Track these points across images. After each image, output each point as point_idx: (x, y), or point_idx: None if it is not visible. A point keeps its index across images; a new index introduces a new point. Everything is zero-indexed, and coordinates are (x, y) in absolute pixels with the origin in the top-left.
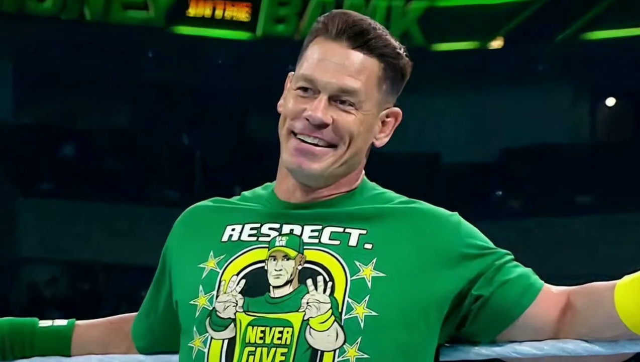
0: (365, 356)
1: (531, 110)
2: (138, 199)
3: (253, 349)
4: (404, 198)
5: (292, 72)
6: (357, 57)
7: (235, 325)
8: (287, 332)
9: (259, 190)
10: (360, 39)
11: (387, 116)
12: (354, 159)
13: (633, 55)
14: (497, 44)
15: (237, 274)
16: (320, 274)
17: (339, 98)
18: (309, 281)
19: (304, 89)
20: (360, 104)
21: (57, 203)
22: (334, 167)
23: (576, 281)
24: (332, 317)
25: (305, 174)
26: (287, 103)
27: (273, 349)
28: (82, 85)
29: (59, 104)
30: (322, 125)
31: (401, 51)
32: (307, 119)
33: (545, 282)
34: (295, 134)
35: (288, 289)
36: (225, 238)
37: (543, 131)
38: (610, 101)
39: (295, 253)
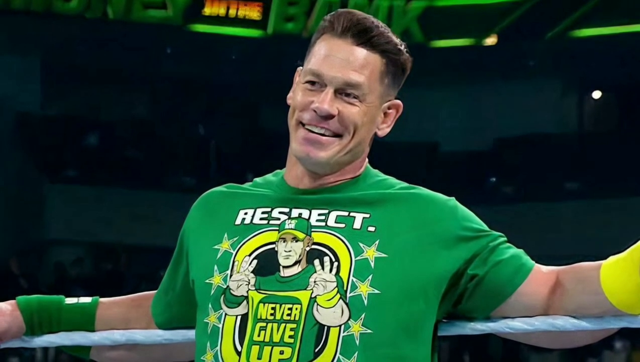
0: (369, 331)
1: (523, 103)
2: (157, 185)
3: (264, 324)
4: (405, 184)
5: (301, 67)
6: (361, 53)
7: (247, 302)
8: (296, 309)
9: (269, 176)
10: (364, 36)
11: (389, 108)
12: (358, 148)
13: (618, 51)
14: (491, 40)
15: (250, 255)
16: (326, 254)
17: (344, 91)
18: (316, 261)
19: (312, 83)
20: (364, 97)
21: (81, 189)
22: (340, 156)
23: (565, 261)
24: (338, 295)
25: (313, 161)
26: (296, 96)
27: (283, 325)
28: (105, 80)
29: (83, 97)
30: (329, 117)
31: (402, 47)
32: (315, 111)
33: (536, 262)
34: (303, 125)
35: (297, 269)
36: (238, 221)
37: (534, 122)
38: (597, 94)
39: (304, 235)
